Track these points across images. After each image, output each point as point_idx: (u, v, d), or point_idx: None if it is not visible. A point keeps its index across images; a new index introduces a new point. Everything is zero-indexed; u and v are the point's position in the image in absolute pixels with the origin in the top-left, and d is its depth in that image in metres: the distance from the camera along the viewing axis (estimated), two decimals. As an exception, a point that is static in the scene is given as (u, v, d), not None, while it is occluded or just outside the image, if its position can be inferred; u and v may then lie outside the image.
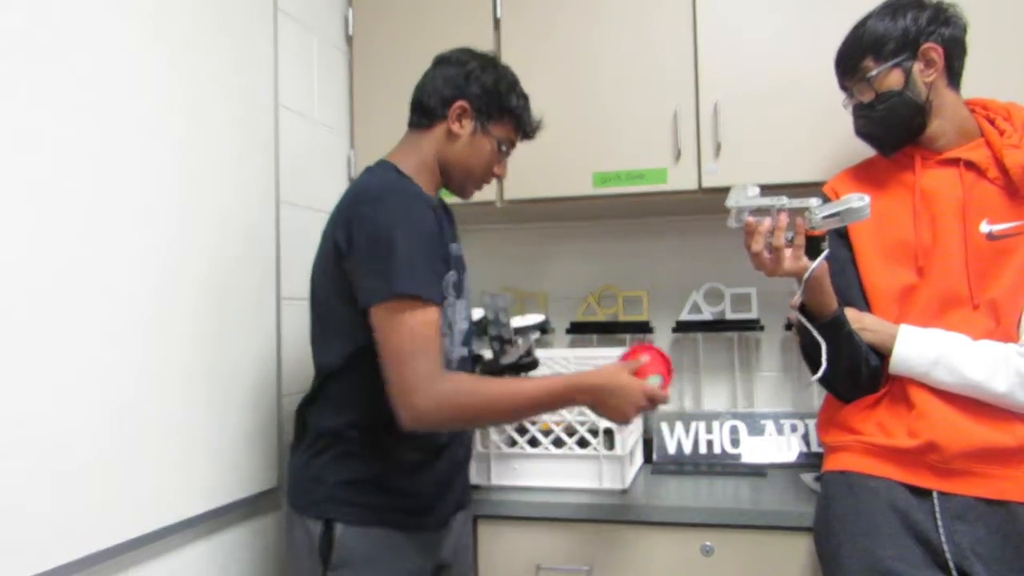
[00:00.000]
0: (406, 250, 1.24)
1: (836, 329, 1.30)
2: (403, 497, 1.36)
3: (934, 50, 1.33)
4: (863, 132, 1.41)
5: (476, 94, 1.41)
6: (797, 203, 1.24)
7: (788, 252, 1.24)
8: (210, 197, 1.43)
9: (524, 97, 1.47)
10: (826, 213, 1.22)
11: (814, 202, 1.23)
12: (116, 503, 1.19)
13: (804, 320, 1.31)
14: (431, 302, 1.26)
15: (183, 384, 1.35)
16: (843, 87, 1.45)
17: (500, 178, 1.52)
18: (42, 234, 1.07)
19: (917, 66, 1.33)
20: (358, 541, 1.33)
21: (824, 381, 1.38)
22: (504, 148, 1.46)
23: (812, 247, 1.25)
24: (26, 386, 1.04)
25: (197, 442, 1.38)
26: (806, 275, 1.25)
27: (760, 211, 1.27)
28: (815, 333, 1.29)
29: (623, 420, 1.32)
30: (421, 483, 1.38)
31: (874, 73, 1.35)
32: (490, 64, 1.45)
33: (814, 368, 1.37)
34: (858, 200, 1.20)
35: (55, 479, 1.08)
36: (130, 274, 1.23)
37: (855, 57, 1.38)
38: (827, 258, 1.27)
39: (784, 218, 1.24)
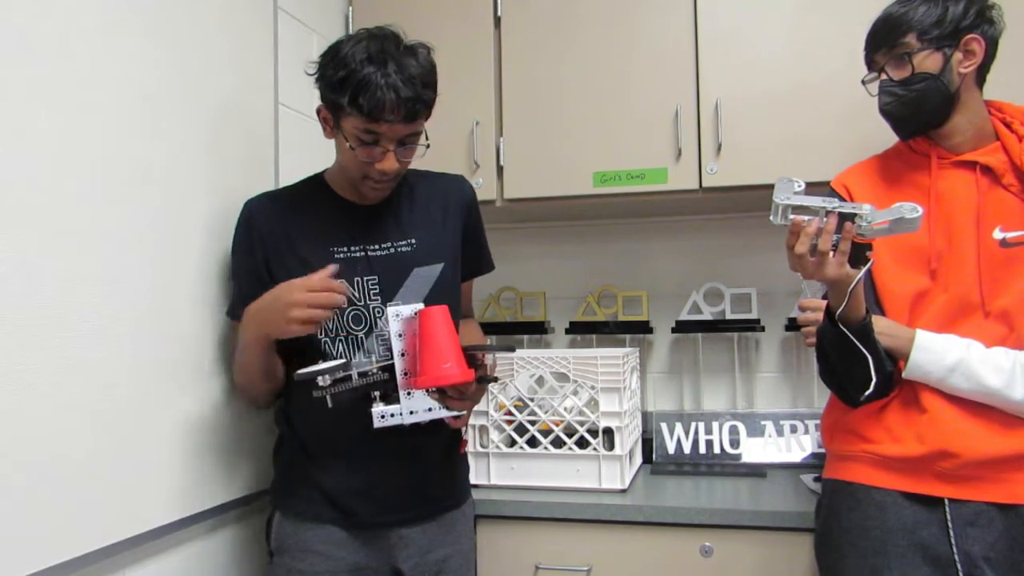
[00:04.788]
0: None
1: (865, 336, 1.26)
2: (324, 492, 1.39)
3: (977, 42, 1.31)
4: (887, 110, 1.37)
5: (323, 94, 1.32)
6: (849, 207, 1.18)
7: (832, 257, 1.19)
8: (209, 198, 1.43)
9: (355, 75, 1.24)
10: (878, 221, 1.17)
11: (867, 208, 1.17)
12: (113, 502, 1.18)
13: (848, 332, 1.24)
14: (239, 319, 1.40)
15: (180, 381, 1.34)
16: (870, 61, 1.41)
17: (390, 174, 1.33)
18: (40, 233, 1.07)
19: (957, 55, 1.31)
20: (291, 531, 1.40)
21: (835, 386, 1.37)
22: (366, 139, 1.29)
23: (855, 254, 1.19)
24: (20, 384, 1.03)
25: (195, 440, 1.37)
26: (852, 285, 1.20)
27: (804, 210, 1.20)
28: (861, 347, 1.24)
29: (288, 328, 1.23)
30: (340, 480, 1.39)
31: (915, 51, 1.32)
32: (330, 54, 1.29)
33: (826, 369, 1.36)
34: (911, 211, 1.15)
35: (51, 478, 1.08)
36: (125, 273, 1.23)
37: (898, 32, 1.34)
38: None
39: (834, 221, 1.18)
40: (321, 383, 1.21)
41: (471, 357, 1.27)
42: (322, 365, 1.21)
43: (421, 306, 1.27)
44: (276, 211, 1.43)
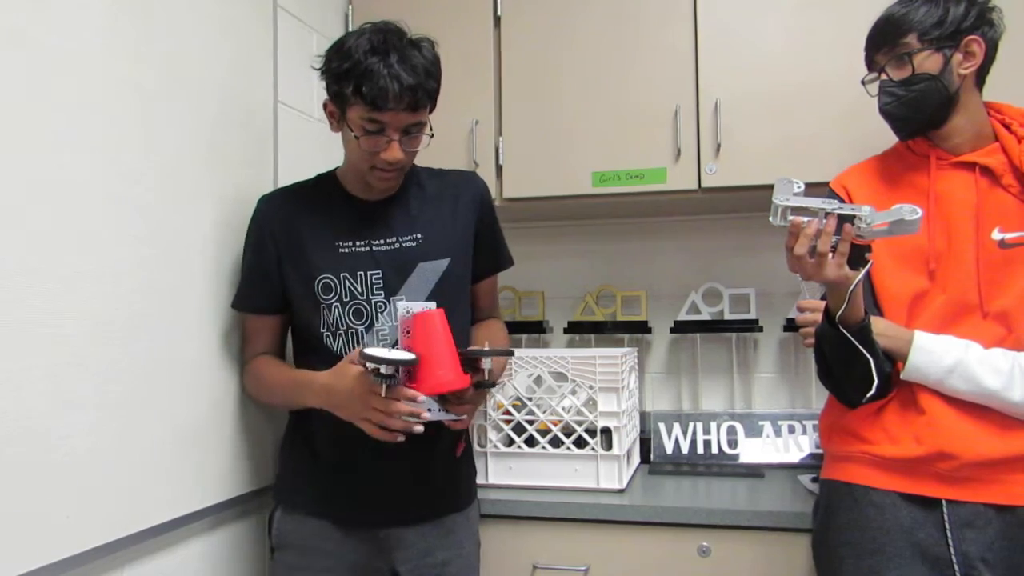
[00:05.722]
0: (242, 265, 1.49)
1: (864, 337, 1.25)
2: (323, 489, 1.41)
3: (977, 43, 1.31)
4: (887, 110, 1.37)
5: (328, 87, 1.34)
6: (849, 209, 1.17)
7: (831, 259, 1.18)
8: (208, 196, 1.43)
9: (358, 65, 1.26)
10: (877, 223, 1.17)
11: (866, 210, 1.17)
12: (113, 499, 1.18)
13: (848, 334, 1.24)
14: (241, 309, 1.47)
15: (181, 379, 1.34)
16: (870, 61, 1.41)
17: (395, 163, 1.33)
18: (38, 231, 1.07)
19: (957, 56, 1.31)
20: (293, 527, 1.41)
21: (833, 386, 1.37)
22: (370, 129, 1.30)
23: (855, 256, 1.19)
24: (21, 381, 1.03)
25: (196, 437, 1.37)
26: (852, 286, 1.20)
27: (803, 211, 1.19)
28: (861, 348, 1.24)
29: (361, 425, 1.26)
30: (338, 478, 1.40)
31: (915, 52, 1.32)
32: (335, 47, 1.32)
33: (824, 370, 1.36)
34: (911, 213, 1.15)
35: (51, 475, 1.07)
36: (124, 271, 1.23)
37: (899, 32, 1.34)
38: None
39: (833, 223, 1.17)
40: (384, 371, 1.19)
41: (470, 361, 1.27)
42: (393, 354, 1.19)
43: (432, 304, 1.28)
44: (286, 208, 1.44)
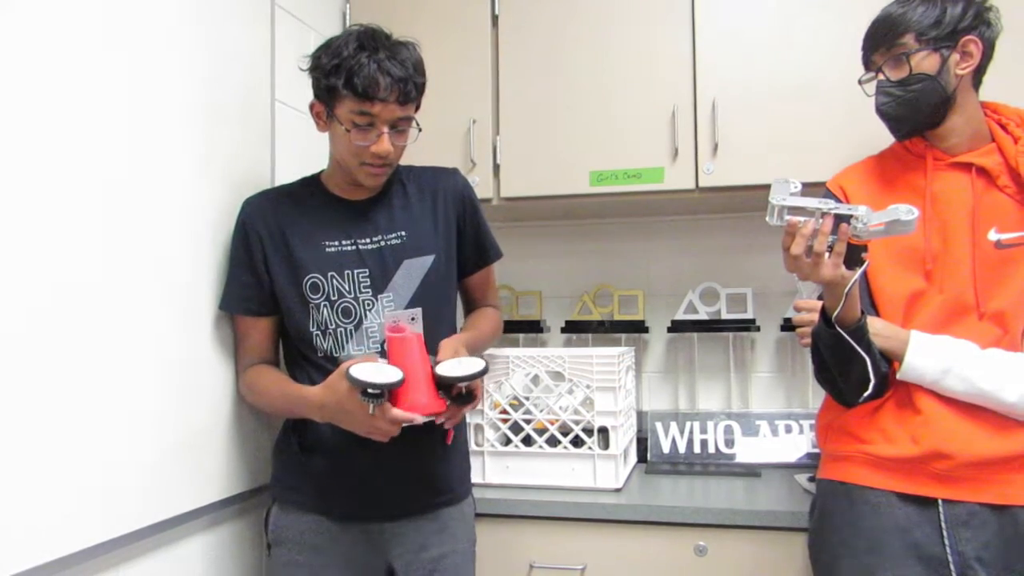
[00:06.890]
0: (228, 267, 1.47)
1: (860, 337, 1.26)
2: (319, 485, 1.41)
3: (974, 43, 1.31)
4: (884, 110, 1.37)
5: (316, 88, 1.37)
6: (845, 209, 1.18)
7: (827, 258, 1.19)
8: (205, 195, 1.43)
9: (348, 60, 1.30)
10: (873, 223, 1.17)
11: (862, 210, 1.17)
12: (112, 497, 1.18)
13: (844, 334, 1.24)
14: (228, 311, 1.45)
15: (179, 378, 1.34)
16: (867, 61, 1.41)
17: (385, 157, 1.36)
18: (33, 232, 1.06)
19: (954, 57, 1.32)
20: (289, 523, 1.42)
21: (829, 386, 1.37)
22: (360, 123, 1.33)
23: (851, 256, 1.19)
24: (20, 381, 1.03)
25: (194, 436, 1.37)
26: (848, 286, 1.20)
27: (800, 211, 1.20)
28: (857, 347, 1.24)
29: (369, 435, 1.28)
30: (333, 474, 1.41)
31: (913, 52, 1.32)
32: (323, 47, 1.35)
33: (821, 370, 1.36)
34: (907, 213, 1.15)
35: (48, 475, 1.07)
36: (120, 272, 1.22)
37: (896, 32, 1.33)
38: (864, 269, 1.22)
39: (829, 223, 1.18)
40: (372, 392, 1.20)
41: (447, 381, 1.27)
42: (377, 377, 1.20)
43: (419, 311, 1.31)
44: (272, 209, 1.46)
